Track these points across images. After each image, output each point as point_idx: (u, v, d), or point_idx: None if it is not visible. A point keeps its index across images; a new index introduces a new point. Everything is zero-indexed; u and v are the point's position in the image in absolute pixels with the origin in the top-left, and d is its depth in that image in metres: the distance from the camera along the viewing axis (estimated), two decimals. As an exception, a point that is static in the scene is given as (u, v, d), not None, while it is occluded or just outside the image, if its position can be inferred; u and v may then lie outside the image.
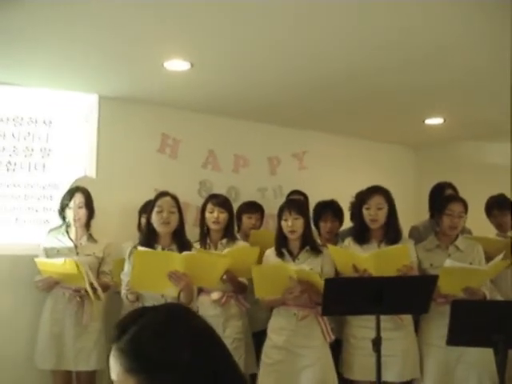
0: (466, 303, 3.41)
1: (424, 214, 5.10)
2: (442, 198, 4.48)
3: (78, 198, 4.25)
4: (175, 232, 3.59)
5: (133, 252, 3.50)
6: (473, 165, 6.38)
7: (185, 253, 3.39)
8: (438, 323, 3.74)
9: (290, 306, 3.76)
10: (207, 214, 4.28)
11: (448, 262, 3.68)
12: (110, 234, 4.51)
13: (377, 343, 3.19)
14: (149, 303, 3.44)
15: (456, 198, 4.26)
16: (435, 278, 3.32)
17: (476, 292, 3.68)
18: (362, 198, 4.04)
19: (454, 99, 5.08)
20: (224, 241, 4.22)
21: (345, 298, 3.21)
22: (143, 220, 4.50)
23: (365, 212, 3.94)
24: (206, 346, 1.26)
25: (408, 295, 3.20)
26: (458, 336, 3.15)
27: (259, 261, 4.03)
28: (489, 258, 3.94)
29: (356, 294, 3.17)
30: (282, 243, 3.91)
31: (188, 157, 5.44)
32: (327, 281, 3.24)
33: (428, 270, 3.97)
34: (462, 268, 3.69)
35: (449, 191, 4.88)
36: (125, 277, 3.56)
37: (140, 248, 3.41)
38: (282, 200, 4.82)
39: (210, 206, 4.28)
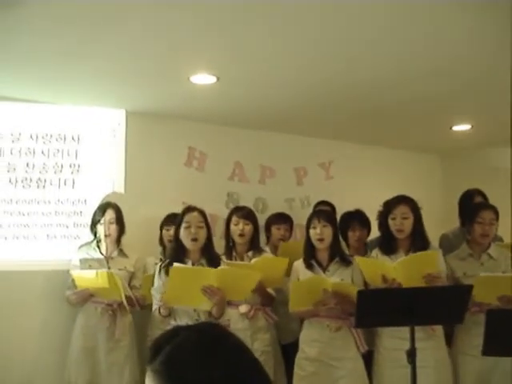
0: (501, 312, 3.36)
1: (452, 222, 5.06)
2: (472, 205, 4.43)
3: (110, 214, 4.28)
4: (204, 247, 3.59)
5: (163, 267, 3.54)
6: (501, 171, 6.30)
7: (219, 268, 3.41)
8: (473, 332, 3.72)
9: (322, 318, 3.74)
10: (232, 227, 4.30)
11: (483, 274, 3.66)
12: (140, 249, 4.54)
13: (412, 354, 3.14)
14: (180, 317, 3.47)
15: (486, 205, 4.22)
16: (470, 287, 3.27)
17: (512, 300, 3.63)
18: (387, 208, 4.01)
19: (481, 105, 5.04)
20: (250, 253, 4.23)
21: (378, 309, 3.17)
22: (165, 233, 4.53)
23: (390, 222, 3.91)
24: (239, 365, 1.25)
25: (443, 305, 3.16)
26: (494, 346, 3.10)
27: (287, 272, 4.03)
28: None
29: (390, 305, 3.13)
30: (310, 254, 3.89)
31: (215, 169, 5.46)
32: (360, 293, 3.20)
33: (461, 279, 3.93)
34: (497, 277, 3.66)
35: (478, 198, 4.83)
36: (155, 292, 3.56)
37: (176, 264, 3.40)
38: (309, 210, 4.83)
39: (234, 219, 4.30)
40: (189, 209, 3.63)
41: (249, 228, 4.24)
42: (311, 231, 3.86)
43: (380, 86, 4.44)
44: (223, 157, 5.52)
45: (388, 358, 3.78)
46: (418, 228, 3.89)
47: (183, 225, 3.54)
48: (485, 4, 3.00)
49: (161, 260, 3.82)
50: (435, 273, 3.63)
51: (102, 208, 4.34)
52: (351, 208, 4.88)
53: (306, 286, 3.77)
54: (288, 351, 4.25)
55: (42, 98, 4.60)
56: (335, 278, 3.73)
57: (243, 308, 4.07)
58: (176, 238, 3.61)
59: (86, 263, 4.25)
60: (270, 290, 4.13)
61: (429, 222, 4.01)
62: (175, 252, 3.60)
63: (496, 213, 4.04)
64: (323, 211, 4.23)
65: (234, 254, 4.27)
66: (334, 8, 3.04)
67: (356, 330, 3.72)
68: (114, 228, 4.30)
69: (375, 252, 4.03)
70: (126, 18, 3.15)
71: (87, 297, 4.14)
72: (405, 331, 3.36)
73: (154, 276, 3.68)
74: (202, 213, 3.61)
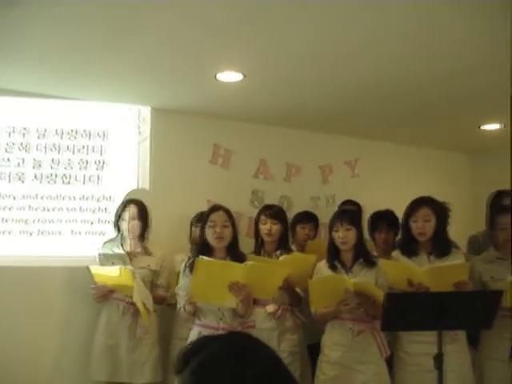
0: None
1: (480, 222, 4.95)
2: (493, 210, 4.31)
3: (132, 210, 4.27)
4: (229, 245, 3.55)
5: (188, 265, 3.50)
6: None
7: (246, 263, 3.36)
8: (500, 336, 3.65)
9: (345, 321, 3.67)
10: (260, 226, 4.28)
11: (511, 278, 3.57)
12: (165, 246, 4.52)
13: (439, 360, 3.07)
14: (205, 316, 3.44)
15: (504, 209, 4.10)
16: (500, 293, 3.20)
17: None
18: (409, 210, 3.91)
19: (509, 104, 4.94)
20: (278, 252, 4.20)
21: (406, 313, 3.11)
22: (194, 231, 4.50)
23: (412, 224, 3.82)
24: (268, 376, 1.23)
25: (471, 310, 3.10)
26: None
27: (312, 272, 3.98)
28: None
29: (418, 309, 3.08)
30: (334, 255, 3.81)
31: (240, 167, 5.43)
32: (388, 296, 3.14)
33: (488, 283, 3.84)
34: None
35: (507, 200, 4.71)
36: (180, 291, 3.52)
37: (203, 257, 3.36)
38: (334, 209, 4.79)
39: (263, 218, 4.29)
40: (214, 208, 3.60)
41: (276, 227, 4.22)
42: (334, 234, 3.77)
43: (408, 86, 4.40)
44: (248, 154, 5.49)
45: (410, 363, 3.71)
46: (440, 230, 3.81)
47: (208, 224, 3.51)
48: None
49: (189, 258, 3.79)
50: (465, 280, 3.56)
51: (125, 204, 4.34)
52: (377, 207, 4.80)
53: (324, 284, 3.70)
54: (314, 351, 4.21)
55: (68, 94, 4.61)
56: (359, 279, 3.65)
57: (270, 308, 4.05)
58: (201, 236, 3.58)
59: (108, 260, 4.24)
60: (298, 290, 4.09)
61: (457, 221, 3.93)
62: (200, 251, 3.57)
63: None
64: (346, 212, 4.11)
65: (262, 252, 4.24)
66: (360, 8, 3.03)
67: (379, 333, 3.64)
68: (136, 224, 4.28)
69: (396, 253, 3.95)
70: (151, 16, 3.14)
71: (107, 293, 4.11)
72: (426, 335, 3.31)
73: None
74: (228, 212, 3.58)
